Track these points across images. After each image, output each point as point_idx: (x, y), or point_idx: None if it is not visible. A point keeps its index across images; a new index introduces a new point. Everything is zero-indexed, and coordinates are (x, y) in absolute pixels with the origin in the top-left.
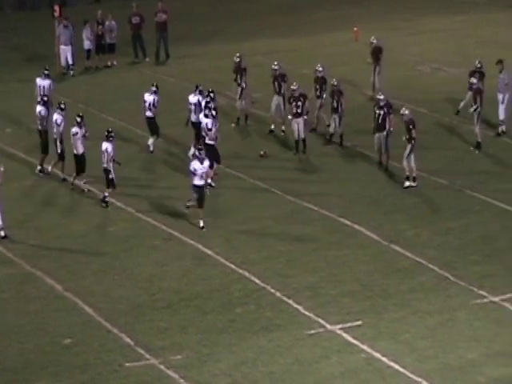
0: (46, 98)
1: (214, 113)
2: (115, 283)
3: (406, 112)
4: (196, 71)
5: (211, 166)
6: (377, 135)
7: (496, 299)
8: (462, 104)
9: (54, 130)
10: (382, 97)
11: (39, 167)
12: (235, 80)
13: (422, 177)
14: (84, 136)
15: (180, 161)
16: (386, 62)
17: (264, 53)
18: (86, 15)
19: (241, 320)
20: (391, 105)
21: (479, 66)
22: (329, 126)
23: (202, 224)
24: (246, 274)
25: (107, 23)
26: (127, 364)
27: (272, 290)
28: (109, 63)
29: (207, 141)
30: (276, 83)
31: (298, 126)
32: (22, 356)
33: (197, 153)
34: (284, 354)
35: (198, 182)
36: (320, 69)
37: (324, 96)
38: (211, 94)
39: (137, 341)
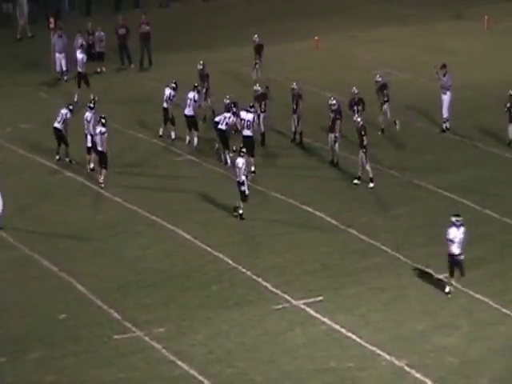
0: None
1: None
2: (105, 264)
3: (358, 119)
4: (175, 76)
5: (253, 155)
6: (329, 135)
7: (441, 277)
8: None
9: (85, 127)
10: (333, 102)
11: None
12: (200, 84)
13: (376, 169)
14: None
15: (163, 154)
16: (343, 66)
17: (234, 59)
18: (78, 27)
19: (216, 296)
20: (341, 111)
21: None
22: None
23: (449, 288)
24: (221, 255)
25: (97, 34)
26: (115, 336)
27: (243, 270)
28: (98, 69)
29: (248, 133)
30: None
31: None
32: (21, 329)
33: (453, 219)
34: (254, 326)
35: (455, 250)
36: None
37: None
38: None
39: (124, 315)
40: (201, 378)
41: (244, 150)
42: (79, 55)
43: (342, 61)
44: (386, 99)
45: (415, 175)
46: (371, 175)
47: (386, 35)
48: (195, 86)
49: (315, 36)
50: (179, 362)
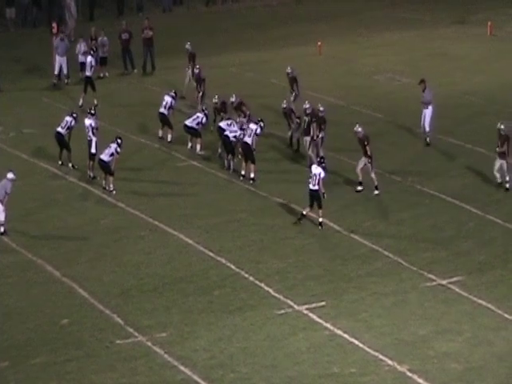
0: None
1: (261, 124)
2: (107, 269)
3: (359, 129)
4: (178, 81)
5: (253, 162)
6: (305, 138)
7: (444, 282)
8: None
9: (88, 134)
10: (307, 106)
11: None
12: (196, 88)
13: (378, 174)
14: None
15: (166, 160)
16: (346, 71)
17: (237, 64)
18: (81, 32)
19: (218, 301)
20: (316, 114)
21: None
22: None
23: None
24: (223, 260)
25: (100, 39)
26: (118, 341)
27: (246, 275)
28: (101, 74)
29: (248, 140)
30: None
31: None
32: (23, 335)
33: None
34: (256, 331)
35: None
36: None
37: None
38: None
39: (126, 320)
40: (203, 383)
41: (324, 159)
42: (88, 59)
43: (344, 66)
44: (296, 92)
45: (418, 180)
46: (376, 183)
47: (388, 40)
48: (203, 110)
49: (318, 41)
50: (181, 367)
